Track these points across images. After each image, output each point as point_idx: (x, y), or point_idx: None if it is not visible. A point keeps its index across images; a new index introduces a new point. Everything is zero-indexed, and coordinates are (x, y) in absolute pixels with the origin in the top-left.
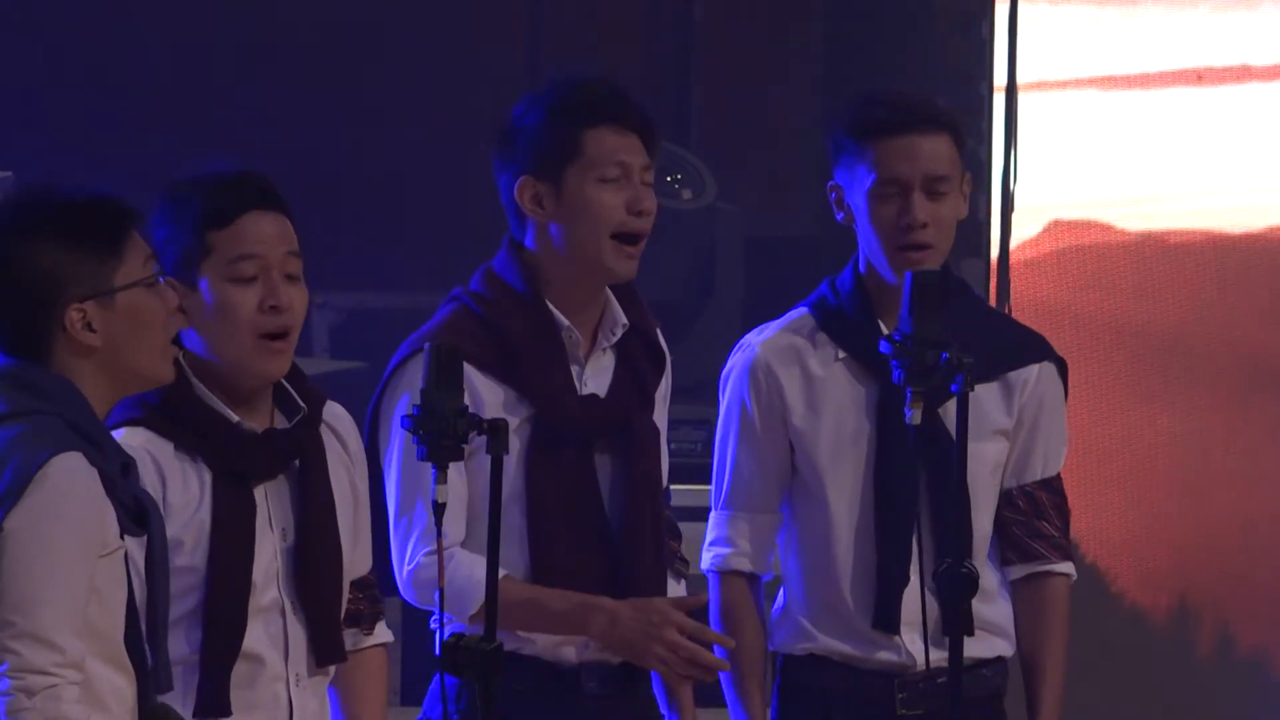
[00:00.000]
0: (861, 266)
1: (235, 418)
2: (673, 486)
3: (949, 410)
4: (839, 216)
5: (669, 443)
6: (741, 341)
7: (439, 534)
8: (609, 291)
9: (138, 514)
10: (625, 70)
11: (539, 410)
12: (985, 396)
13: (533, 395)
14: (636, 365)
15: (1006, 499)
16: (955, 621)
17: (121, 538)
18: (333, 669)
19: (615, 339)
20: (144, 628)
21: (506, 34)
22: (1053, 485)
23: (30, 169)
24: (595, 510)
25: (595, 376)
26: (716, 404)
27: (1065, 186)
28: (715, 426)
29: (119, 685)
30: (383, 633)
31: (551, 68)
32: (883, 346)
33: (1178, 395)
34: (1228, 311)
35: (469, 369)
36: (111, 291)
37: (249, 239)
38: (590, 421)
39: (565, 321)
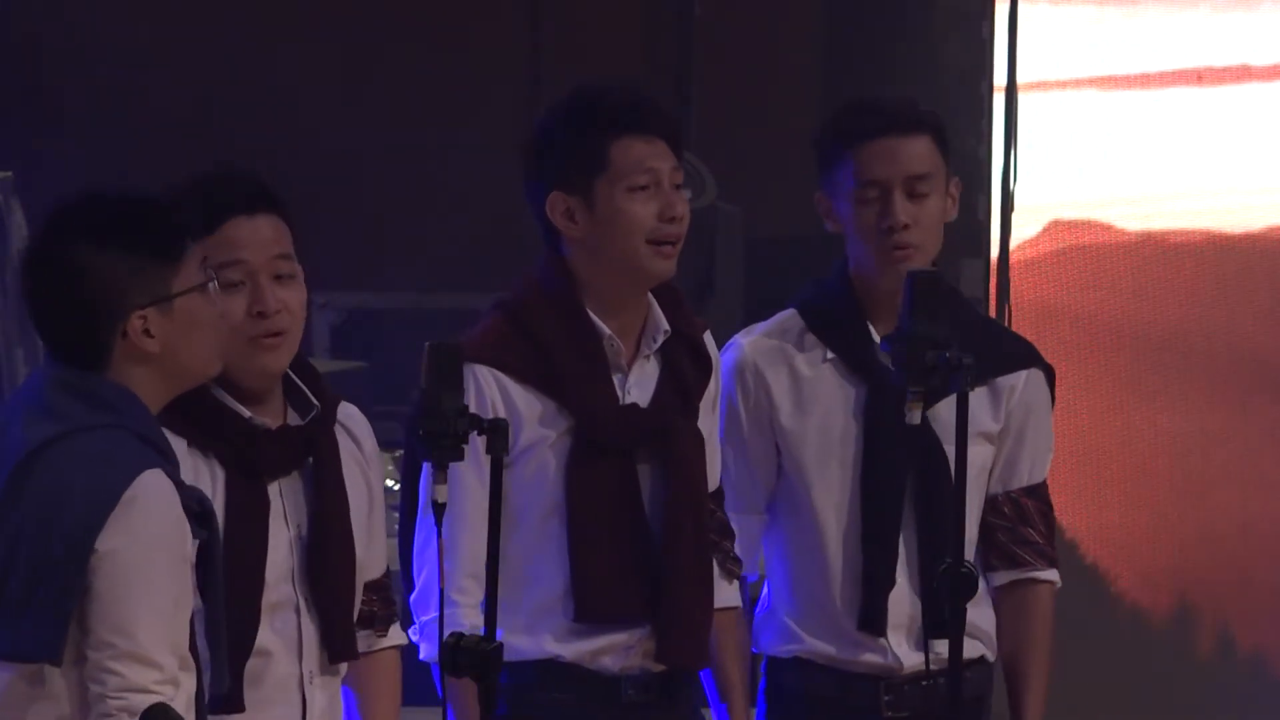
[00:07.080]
0: (851, 268)
1: (247, 413)
2: None
3: (937, 412)
4: (828, 225)
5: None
6: (729, 342)
7: (439, 534)
8: (651, 297)
9: (201, 515)
10: (625, 70)
11: (579, 422)
12: (973, 401)
13: (573, 408)
14: (680, 371)
15: (991, 505)
16: (956, 621)
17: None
18: (344, 666)
19: (658, 345)
20: (205, 627)
21: (507, 34)
22: (1038, 492)
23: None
24: (636, 520)
25: (639, 384)
26: None
27: (1065, 186)
28: None
29: (190, 689)
30: (397, 635)
31: (551, 68)
32: (883, 346)
33: (1178, 395)
34: (1227, 312)
35: (508, 382)
36: (170, 298)
37: (231, 245)
38: (631, 432)
39: (607, 330)
